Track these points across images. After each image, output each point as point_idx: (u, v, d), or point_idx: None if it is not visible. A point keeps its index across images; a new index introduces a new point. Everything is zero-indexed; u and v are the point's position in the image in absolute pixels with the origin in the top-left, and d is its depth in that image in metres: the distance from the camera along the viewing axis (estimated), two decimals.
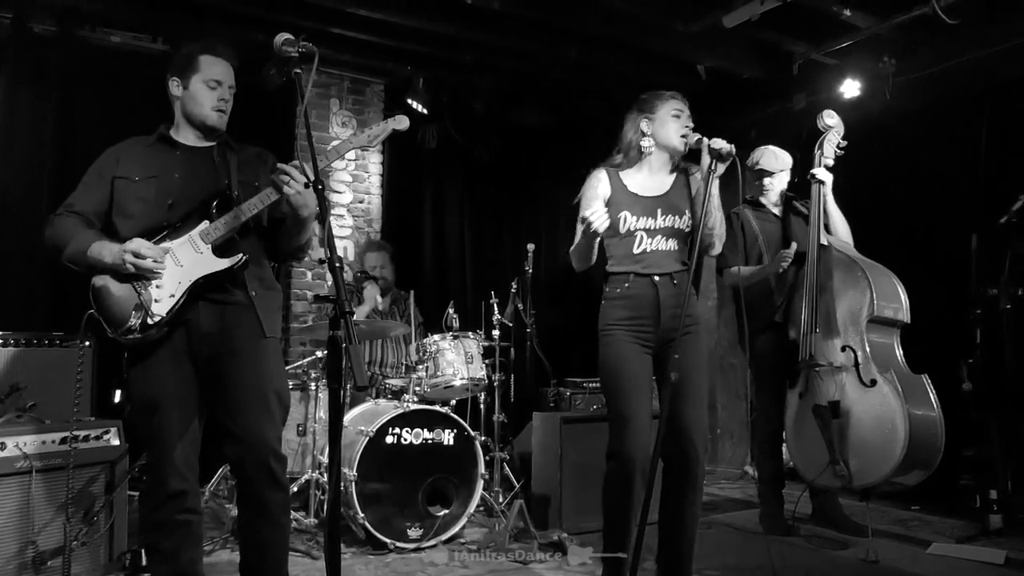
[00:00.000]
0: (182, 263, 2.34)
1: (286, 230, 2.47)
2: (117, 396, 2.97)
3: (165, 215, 2.38)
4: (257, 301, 2.43)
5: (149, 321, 2.27)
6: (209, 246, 2.36)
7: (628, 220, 2.73)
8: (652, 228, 2.73)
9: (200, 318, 2.35)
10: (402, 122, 2.41)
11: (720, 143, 2.61)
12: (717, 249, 2.80)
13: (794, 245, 3.71)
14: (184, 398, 2.35)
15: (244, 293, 2.41)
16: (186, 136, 2.50)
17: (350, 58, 5.32)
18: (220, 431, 2.36)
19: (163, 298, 2.30)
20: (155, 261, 2.28)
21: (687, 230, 2.78)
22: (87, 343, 3.59)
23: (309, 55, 2.06)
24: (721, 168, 2.62)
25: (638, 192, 2.78)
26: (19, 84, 4.50)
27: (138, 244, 2.29)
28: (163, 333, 2.30)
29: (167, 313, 2.29)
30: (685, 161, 2.86)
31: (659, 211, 2.74)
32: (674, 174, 2.83)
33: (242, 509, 2.42)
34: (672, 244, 2.75)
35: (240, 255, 2.37)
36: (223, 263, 2.36)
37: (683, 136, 2.74)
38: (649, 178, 2.81)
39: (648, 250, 2.73)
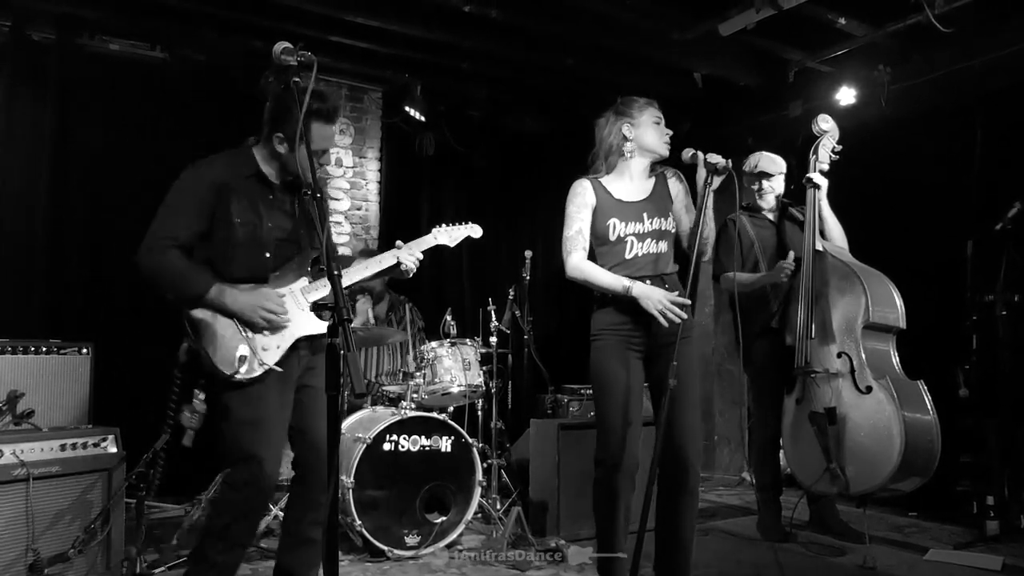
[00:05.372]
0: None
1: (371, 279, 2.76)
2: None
3: (264, 263, 2.46)
4: None
5: (257, 368, 2.36)
6: (308, 303, 2.47)
7: (618, 227, 2.77)
8: (641, 232, 2.77)
9: (300, 352, 2.49)
10: (476, 231, 3.07)
11: (716, 158, 2.70)
12: (707, 256, 2.84)
13: (792, 255, 3.71)
14: (284, 419, 2.46)
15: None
16: (270, 172, 2.52)
17: (348, 66, 5.34)
18: (293, 432, 2.50)
19: (271, 347, 2.41)
20: (278, 315, 2.39)
21: (673, 230, 2.83)
22: (87, 353, 3.60)
23: (308, 63, 2.08)
24: (717, 181, 2.70)
25: (623, 198, 2.81)
26: (18, 91, 4.51)
27: (273, 303, 2.39)
28: (266, 377, 2.39)
29: (275, 363, 2.39)
30: (661, 165, 2.91)
31: (645, 215, 2.79)
32: (652, 178, 2.88)
33: (292, 509, 2.55)
34: (661, 246, 2.79)
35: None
36: (325, 326, 2.41)
37: (667, 143, 2.82)
38: (631, 184, 2.85)
39: (639, 254, 2.76)
